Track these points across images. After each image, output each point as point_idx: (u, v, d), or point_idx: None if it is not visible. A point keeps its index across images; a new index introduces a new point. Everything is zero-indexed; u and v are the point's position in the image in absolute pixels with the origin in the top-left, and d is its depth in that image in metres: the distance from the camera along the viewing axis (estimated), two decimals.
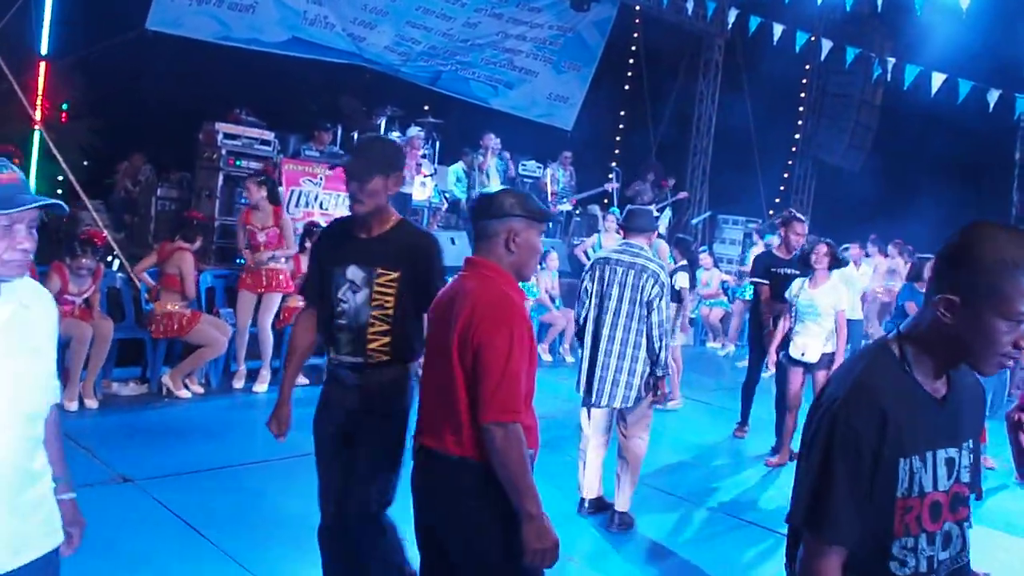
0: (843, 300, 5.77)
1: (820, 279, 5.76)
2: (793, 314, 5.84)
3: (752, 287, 7.00)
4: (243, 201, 7.97)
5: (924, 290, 5.67)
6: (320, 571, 3.69)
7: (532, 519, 2.22)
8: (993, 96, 10.00)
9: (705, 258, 11.28)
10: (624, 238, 4.73)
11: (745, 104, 15.27)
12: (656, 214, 12.16)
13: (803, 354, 5.75)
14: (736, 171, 15.56)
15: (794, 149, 17.68)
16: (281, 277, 6.84)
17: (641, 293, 4.42)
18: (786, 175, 17.78)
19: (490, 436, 2.23)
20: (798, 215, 6.61)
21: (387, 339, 2.94)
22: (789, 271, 6.26)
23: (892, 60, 10.87)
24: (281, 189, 8.21)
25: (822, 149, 16.88)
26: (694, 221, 13.95)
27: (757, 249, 10.56)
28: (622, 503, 4.60)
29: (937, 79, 10.05)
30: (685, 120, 15.79)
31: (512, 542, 2.24)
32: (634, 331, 4.42)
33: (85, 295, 5.89)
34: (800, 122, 17.45)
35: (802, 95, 17.32)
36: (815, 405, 1.71)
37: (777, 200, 17.60)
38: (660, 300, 4.42)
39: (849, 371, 1.68)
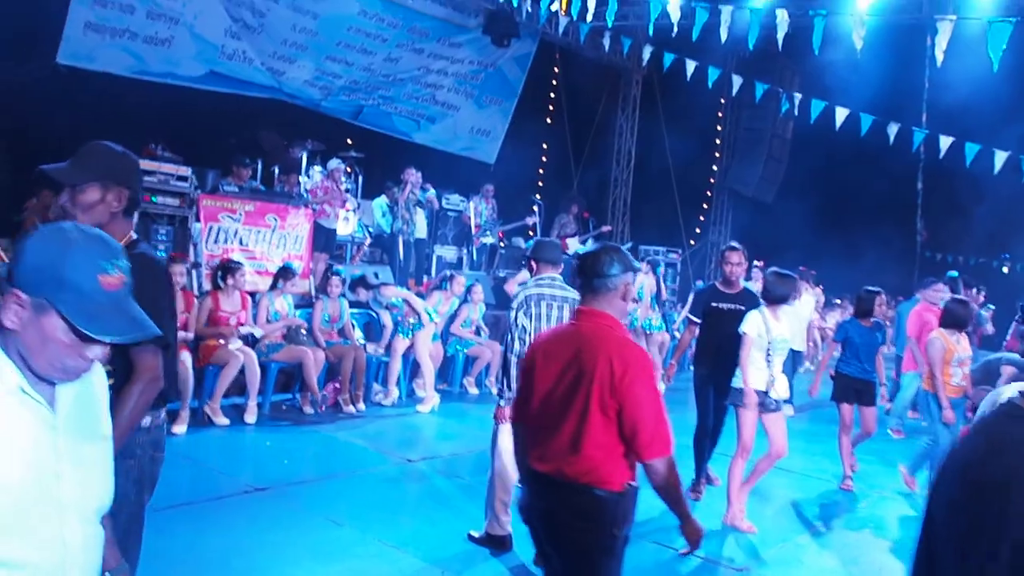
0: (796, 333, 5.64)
1: (782, 313, 5.39)
2: (769, 350, 5.25)
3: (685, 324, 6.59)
4: (160, 237, 7.82)
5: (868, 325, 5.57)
6: None
7: (689, 520, 2.71)
8: (893, 129, 10.50)
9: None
10: (536, 271, 4.75)
11: (663, 137, 15.73)
12: (579, 246, 12.42)
13: (772, 391, 5.25)
14: (657, 203, 15.97)
15: (712, 180, 18.25)
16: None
17: None
18: (705, 206, 18.32)
19: (655, 469, 2.62)
20: (733, 244, 5.94)
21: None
22: (731, 307, 5.71)
23: (799, 95, 11.33)
24: (199, 225, 8.08)
25: (737, 181, 17.47)
26: (649, 256, 14.21)
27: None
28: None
29: (841, 113, 10.51)
30: (605, 153, 16.15)
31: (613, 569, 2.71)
32: None
33: None
34: (717, 155, 18.04)
35: (718, 128, 17.92)
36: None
37: (697, 231, 18.10)
38: None
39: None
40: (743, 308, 5.54)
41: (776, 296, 5.38)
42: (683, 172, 16.57)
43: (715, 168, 18.18)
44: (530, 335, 4.52)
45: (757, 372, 5.24)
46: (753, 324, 5.26)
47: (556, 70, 15.72)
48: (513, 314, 4.60)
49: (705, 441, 5.98)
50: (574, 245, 12.62)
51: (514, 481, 4.65)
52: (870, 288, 6.73)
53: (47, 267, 1.50)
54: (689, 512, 2.73)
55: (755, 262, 13.25)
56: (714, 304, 5.89)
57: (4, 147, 9.93)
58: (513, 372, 4.55)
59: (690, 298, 12.78)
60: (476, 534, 4.70)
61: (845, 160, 13.06)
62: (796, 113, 11.61)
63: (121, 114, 9.61)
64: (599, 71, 15.17)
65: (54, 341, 1.52)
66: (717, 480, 6.11)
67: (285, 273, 7.84)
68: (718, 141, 18.01)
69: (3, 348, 1.53)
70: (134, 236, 2.71)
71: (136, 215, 2.79)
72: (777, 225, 15.08)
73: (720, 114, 17.80)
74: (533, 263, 4.83)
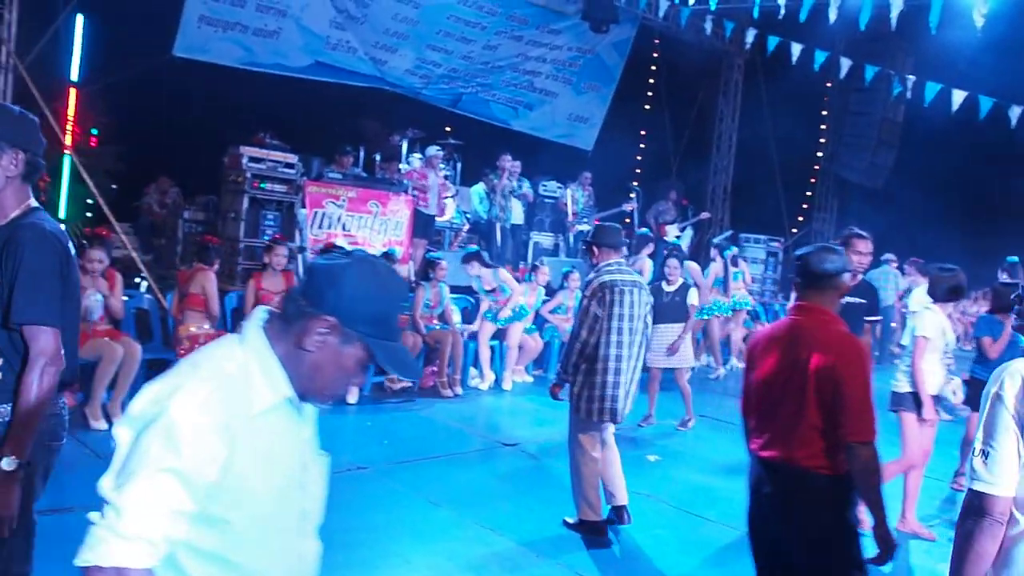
0: None
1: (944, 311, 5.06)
2: (949, 355, 5.03)
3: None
4: (268, 222, 8.10)
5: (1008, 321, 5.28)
6: None
7: (885, 525, 2.74)
8: (1015, 112, 9.94)
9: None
10: (598, 257, 4.71)
11: (766, 122, 15.29)
12: (678, 234, 12.25)
13: (950, 396, 5.06)
14: (758, 189, 15.55)
15: (816, 167, 17.65)
16: None
17: (643, 309, 4.62)
18: (808, 193, 17.74)
19: (856, 453, 2.73)
20: (859, 231, 5.31)
21: None
22: (852, 300, 5.04)
23: (912, 78, 10.84)
24: (304, 211, 8.34)
25: (844, 167, 16.84)
26: (715, 240, 13.91)
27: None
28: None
29: (958, 96, 10.02)
30: (706, 139, 15.82)
31: (852, 550, 2.80)
32: (637, 345, 4.61)
33: (105, 296, 5.96)
34: (822, 140, 17.43)
35: (823, 113, 17.31)
36: None
37: (800, 218, 17.56)
38: (649, 315, 4.72)
39: None
40: (863, 303, 5.06)
41: (947, 292, 5.07)
42: (786, 158, 16.07)
43: (820, 154, 17.58)
44: (601, 323, 4.48)
45: (932, 376, 4.95)
46: (932, 326, 4.97)
47: (655, 55, 15.49)
48: (585, 302, 4.55)
49: None
50: (673, 232, 12.44)
51: (597, 472, 4.66)
52: (1007, 281, 6.21)
53: (365, 303, 1.55)
54: (886, 515, 2.75)
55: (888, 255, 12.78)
56: None
57: (123, 136, 10.46)
58: (574, 359, 4.53)
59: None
60: (571, 520, 4.72)
61: (961, 145, 12.40)
62: (909, 96, 11.10)
63: (232, 104, 10.01)
64: (700, 55, 14.84)
65: (346, 371, 1.59)
66: None
67: (387, 259, 8.00)
68: (823, 126, 17.39)
69: (281, 362, 1.57)
70: (32, 204, 2.53)
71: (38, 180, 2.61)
72: (887, 213, 14.46)
73: (826, 98, 17.16)
74: (595, 249, 4.75)
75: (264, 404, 1.54)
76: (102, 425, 5.81)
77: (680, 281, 7.66)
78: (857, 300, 5.07)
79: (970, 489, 1.91)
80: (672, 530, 4.98)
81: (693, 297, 7.61)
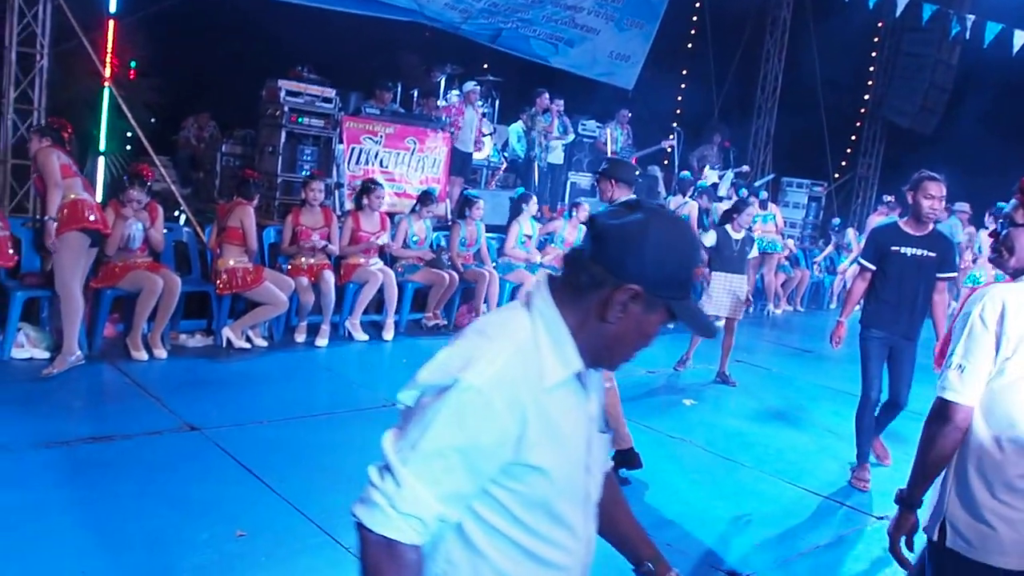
0: None
1: None
2: None
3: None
4: (305, 157, 8.05)
5: None
6: None
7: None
8: None
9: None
10: (612, 194, 4.48)
11: (813, 63, 14.83)
12: (716, 178, 12.02)
13: None
14: (801, 133, 15.16)
15: (863, 110, 17.15)
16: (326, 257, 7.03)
17: None
18: (853, 137, 17.27)
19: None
20: (932, 174, 4.70)
21: None
22: (918, 252, 4.67)
23: (972, 17, 10.38)
24: (341, 147, 8.28)
25: (893, 111, 16.32)
26: (756, 184, 13.64)
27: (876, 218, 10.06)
28: None
29: (1019, 37, 9.59)
30: (750, 80, 15.39)
31: None
32: None
33: (145, 228, 6.02)
34: (870, 82, 16.89)
35: (873, 54, 16.73)
36: None
37: (843, 163, 17.14)
38: None
39: None
40: (933, 255, 4.65)
41: None
42: (832, 101, 15.61)
43: (867, 98, 17.05)
44: None
45: None
46: None
47: None
48: None
49: (867, 418, 4.95)
50: (712, 177, 12.23)
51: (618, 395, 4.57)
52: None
53: (668, 265, 1.40)
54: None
55: (887, 197, 12.46)
56: (896, 248, 4.72)
57: (161, 69, 10.42)
58: None
59: (851, 237, 12.18)
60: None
61: (1020, 89, 11.91)
62: (967, 37, 10.65)
63: (268, 37, 9.88)
64: None
65: (648, 338, 1.46)
66: (887, 459, 5.34)
67: (426, 198, 7.93)
68: (872, 68, 16.83)
69: (572, 333, 1.43)
70: None
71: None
72: (936, 160, 14.01)
73: (877, 39, 16.57)
74: (611, 183, 4.52)
75: (556, 378, 1.41)
76: (142, 356, 5.89)
77: (744, 231, 7.21)
78: (924, 253, 4.68)
79: (939, 397, 2.15)
80: (706, 474, 4.96)
81: (756, 250, 7.38)
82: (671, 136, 12.69)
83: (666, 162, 13.38)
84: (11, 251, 5.57)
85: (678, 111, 15.79)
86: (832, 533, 4.25)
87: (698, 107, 15.08)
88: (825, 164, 15.81)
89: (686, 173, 11.35)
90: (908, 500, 2.25)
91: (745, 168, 13.35)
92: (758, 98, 15.29)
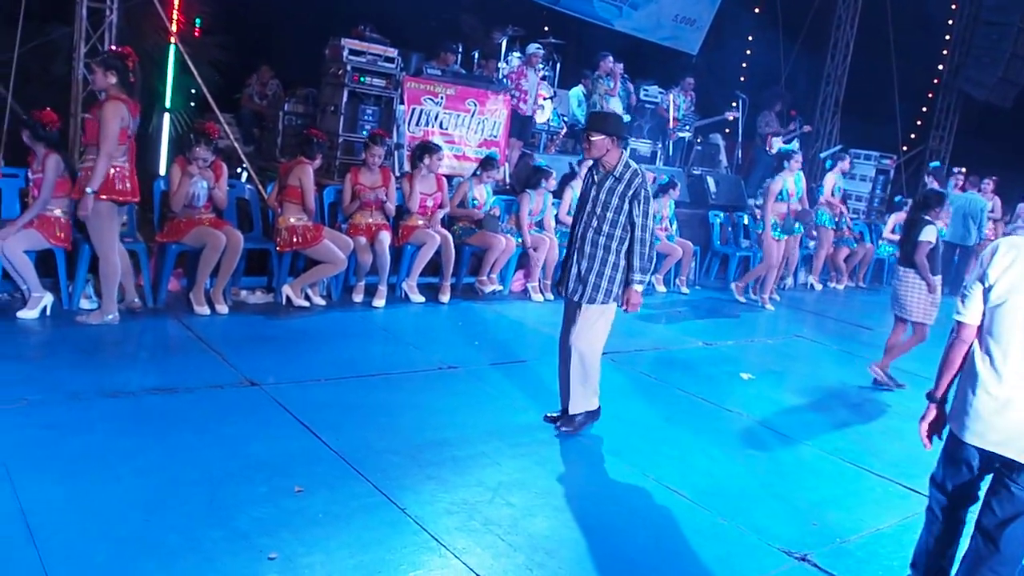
0: None
1: None
2: None
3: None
4: (367, 117, 8.04)
5: None
6: (426, 484, 3.80)
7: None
8: None
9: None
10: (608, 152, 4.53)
11: (887, 30, 14.28)
12: (782, 145, 11.68)
13: None
14: (871, 102, 14.66)
15: (936, 81, 16.50)
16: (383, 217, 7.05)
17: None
18: (925, 109, 16.66)
19: None
20: None
21: None
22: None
23: None
24: (402, 107, 8.25)
25: (969, 82, 15.64)
26: (823, 155, 13.26)
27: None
28: None
29: None
30: (819, 46, 14.89)
31: None
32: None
33: (210, 186, 6.09)
34: (946, 52, 16.22)
35: (950, 22, 16.04)
36: None
37: (913, 136, 16.56)
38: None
39: None
40: None
41: None
42: (905, 70, 15.02)
43: (941, 67, 16.38)
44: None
45: None
46: None
47: None
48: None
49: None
50: (777, 144, 11.91)
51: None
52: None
53: None
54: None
55: (958, 169, 12.11)
56: None
57: (225, 27, 10.48)
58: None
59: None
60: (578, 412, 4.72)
61: None
62: None
63: None
64: None
65: None
66: None
67: (488, 163, 7.85)
68: (948, 37, 16.14)
69: None
70: None
71: None
72: (1012, 135, 13.48)
73: (954, 6, 15.88)
74: (612, 140, 4.52)
75: None
76: (205, 311, 6.00)
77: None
78: None
79: (954, 319, 2.91)
80: (764, 450, 4.88)
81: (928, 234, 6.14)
82: (733, 104, 12.38)
83: (728, 131, 13.07)
84: None
85: (742, 78, 15.38)
86: (895, 516, 4.14)
87: (764, 74, 14.66)
88: (895, 135, 15.28)
89: (787, 147, 10.60)
90: (931, 395, 3.02)
91: (807, 128, 12.96)
92: (827, 65, 14.81)
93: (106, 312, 5.54)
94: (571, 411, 4.67)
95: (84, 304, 5.78)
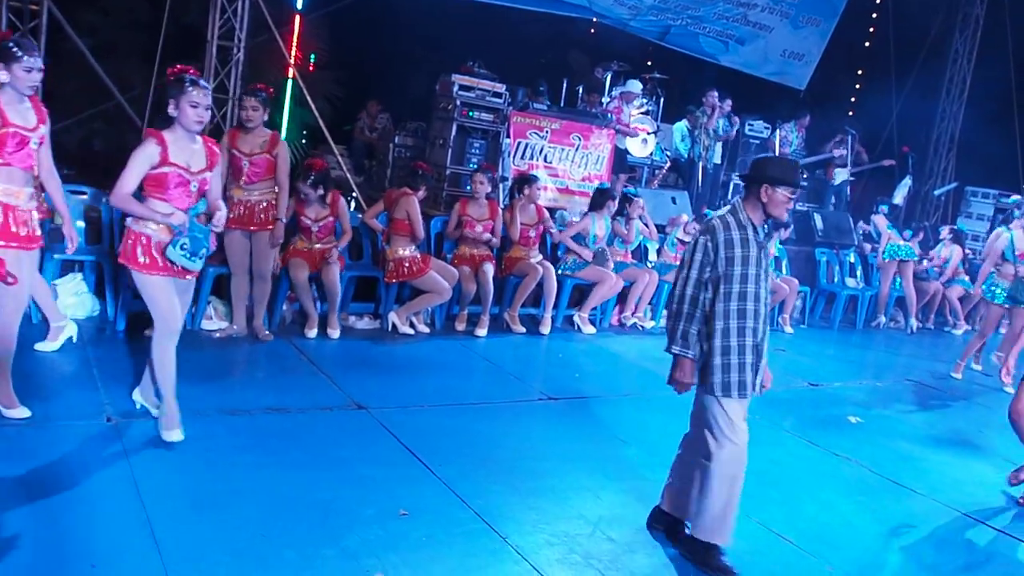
0: None
1: None
2: None
3: None
4: (474, 150, 8.25)
5: None
6: (526, 514, 3.82)
7: None
8: None
9: (944, 232, 10.48)
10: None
11: (1008, 64, 13.71)
12: (845, 176, 11.44)
13: None
14: (989, 138, 14.08)
15: None
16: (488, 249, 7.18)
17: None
18: None
19: None
20: None
21: None
22: None
23: None
24: (508, 141, 8.41)
25: None
26: (937, 192, 12.80)
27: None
28: None
29: None
30: (934, 82, 14.42)
31: None
32: None
33: (320, 222, 6.32)
34: None
35: None
36: None
37: None
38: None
39: None
40: None
41: None
42: None
43: None
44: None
45: None
46: None
47: None
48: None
49: None
50: (841, 175, 11.69)
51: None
52: None
53: None
54: None
55: None
56: None
57: (339, 64, 10.95)
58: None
59: None
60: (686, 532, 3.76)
61: None
62: None
63: (441, 34, 10.21)
64: None
65: None
66: None
67: (602, 195, 7.86)
68: None
69: None
70: None
71: None
72: None
73: None
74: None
75: None
76: (314, 334, 6.23)
77: None
78: None
79: None
80: (873, 497, 4.72)
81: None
82: (837, 138, 12.09)
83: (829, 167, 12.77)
84: None
85: (850, 112, 15.02)
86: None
87: (874, 110, 14.30)
88: (1016, 171, 14.60)
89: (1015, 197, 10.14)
90: None
91: (887, 162, 12.37)
92: (942, 101, 14.32)
93: (239, 327, 6.01)
94: None
95: (207, 325, 6.08)
